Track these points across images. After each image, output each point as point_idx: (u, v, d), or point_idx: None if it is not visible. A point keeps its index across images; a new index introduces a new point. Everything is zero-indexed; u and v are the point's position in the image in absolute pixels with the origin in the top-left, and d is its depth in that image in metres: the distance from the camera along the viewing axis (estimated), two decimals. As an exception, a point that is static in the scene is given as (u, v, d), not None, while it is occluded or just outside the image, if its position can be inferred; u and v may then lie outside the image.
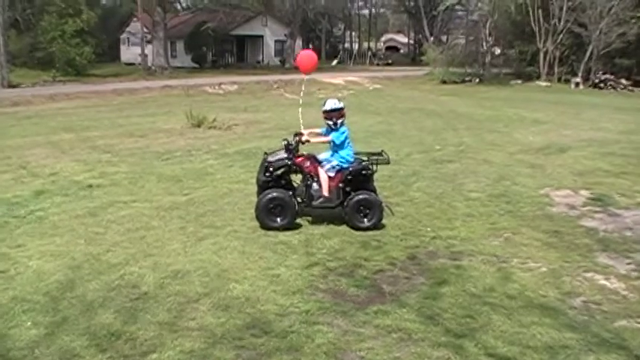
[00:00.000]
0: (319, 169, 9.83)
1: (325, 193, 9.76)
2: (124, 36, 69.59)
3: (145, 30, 56.76)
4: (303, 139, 9.99)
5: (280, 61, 65.18)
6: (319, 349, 5.95)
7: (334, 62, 69.32)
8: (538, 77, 45.54)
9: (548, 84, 43.44)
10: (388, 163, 10.10)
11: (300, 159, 9.89)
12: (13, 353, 5.89)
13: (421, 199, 11.55)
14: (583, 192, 12.17)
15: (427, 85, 43.40)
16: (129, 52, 67.25)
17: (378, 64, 70.81)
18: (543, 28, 44.83)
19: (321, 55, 72.57)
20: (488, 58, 48.42)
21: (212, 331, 6.29)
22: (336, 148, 9.86)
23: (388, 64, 71.86)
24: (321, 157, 10.08)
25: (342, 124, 9.85)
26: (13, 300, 7.04)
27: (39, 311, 6.77)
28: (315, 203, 9.85)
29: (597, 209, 11.08)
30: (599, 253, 8.81)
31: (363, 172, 9.82)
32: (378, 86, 41.27)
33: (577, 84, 42.69)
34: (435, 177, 13.32)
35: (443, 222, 10.15)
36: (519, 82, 45.08)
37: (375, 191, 9.97)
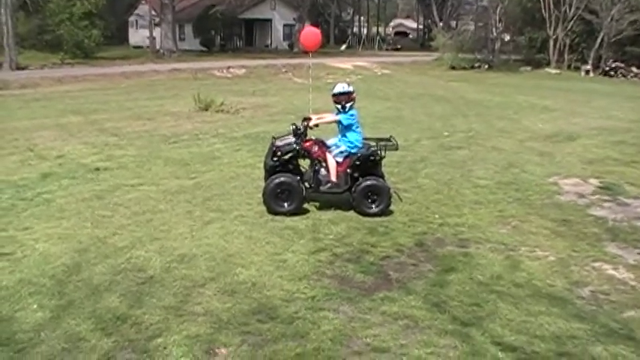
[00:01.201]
0: (327, 154, 9.77)
1: (333, 178, 9.70)
2: (132, 19, 69.44)
3: (154, 13, 56.69)
4: (311, 123, 9.92)
5: (289, 45, 64.96)
6: (325, 335, 5.92)
7: (343, 47, 69.09)
8: (548, 64, 45.27)
9: (558, 71, 43.20)
10: (397, 149, 10.04)
11: (308, 144, 9.82)
12: (19, 336, 5.88)
13: (429, 185, 11.50)
14: (592, 180, 12.09)
15: (436, 71, 43.26)
16: (137, 35, 67.12)
17: (386, 49, 70.54)
18: (554, 15, 44.51)
19: (330, 40, 72.37)
20: (497, 45, 48.20)
21: (218, 315, 6.27)
22: (345, 132, 9.80)
23: (397, 50, 71.59)
24: (329, 142, 10.01)
25: (351, 107, 9.77)
26: (19, 283, 7.03)
27: (45, 294, 6.76)
28: (322, 188, 9.79)
29: (606, 198, 11.00)
30: (608, 243, 8.75)
31: (372, 157, 9.75)
32: (386, 71, 41.12)
33: (587, 71, 42.44)
34: (444, 163, 13.26)
35: (451, 209, 10.10)
36: (529, 69, 44.88)
37: (383, 177, 9.92)
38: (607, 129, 18.62)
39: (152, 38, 56.29)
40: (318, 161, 9.88)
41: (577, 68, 43.83)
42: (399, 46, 74.96)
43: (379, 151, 9.76)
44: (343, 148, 9.79)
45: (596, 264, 7.95)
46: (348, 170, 9.74)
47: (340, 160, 9.75)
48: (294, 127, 9.88)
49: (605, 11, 41.88)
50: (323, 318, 6.26)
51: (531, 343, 5.88)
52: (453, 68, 44.32)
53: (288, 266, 7.55)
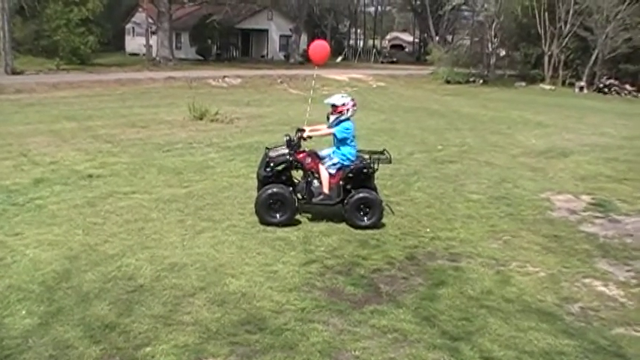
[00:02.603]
0: (320, 165, 9.78)
1: (326, 190, 9.71)
2: (129, 26, 69.45)
3: (150, 21, 56.67)
4: (305, 134, 9.91)
5: (285, 56, 65.04)
6: (314, 347, 5.92)
7: (339, 59, 69.15)
8: (542, 80, 45.38)
9: (552, 87, 43.32)
10: (390, 162, 10.07)
11: (301, 155, 9.84)
12: (6, 342, 5.86)
13: (421, 199, 11.51)
14: (584, 197, 12.14)
15: (431, 85, 43.32)
16: (134, 43, 67.13)
17: (382, 62, 70.64)
18: (549, 31, 44.67)
19: (326, 52, 72.35)
20: (493, 60, 48.36)
21: (207, 326, 6.26)
22: (339, 144, 9.80)
23: (393, 62, 71.69)
24: (322, 153, 10.04)
25: (346, 120, 9.75)
26: (8, 288, 7.02)
27: (34, 300, 6.74)
28: (315, 200, 9.81)
29: (598, 215, 11.04)
30: (599, 259, 8.77)
31: (365, 170, 9.77)
32: (382, 84, 41.19)
33: (581, 88, 42.57)
34: (436, 177, 13.28)
35: (442, 223, 10.12)
36: (523, 84, 44.98)
37: (376, 190, 9.94)
38: (600, 146, 18.69)
39: (148, 46, 56.23)
40: (311, 173, 9.88)
41: (571, 84, 43.97)
42: (394, 59, 75.08)
43: (372, 164, 9.78)
44: (336, 160, 9.79)
45: (587, 280, 7.97)
46: (341, 182, 9.74)
47: (333, 172, 9.77)
48: (287, 137, 9.89)
49: (599, 29, 42.05)
50: (312, 330, 6.25)
51: (520, 358, 5.90)
52: (448, 82, 44.40)
53: (279, 277, 7.55)
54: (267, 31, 67.35)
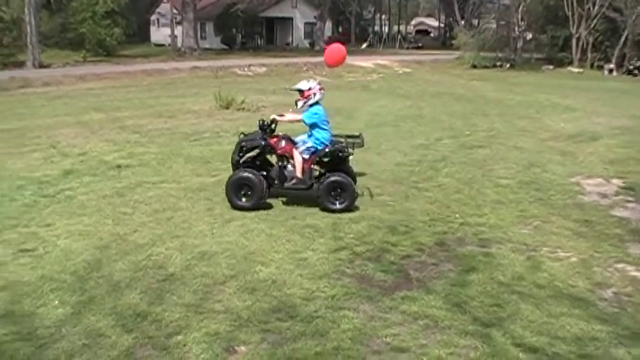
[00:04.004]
0: (294, 150, 9.86)
1: (299, 174, 9.80)
2: (153, 17, 69.80)
3: (175, 11, 56.92)
4: (271, 117, 10.12)
5: (310, 43, 64.99)
6: (345, 334, 5.90)
7: (364, 45, 68.98)
8: (570, 63, 44.83)
9: (581, 70, 42.78)
10: (362, 146, 10.26)
11: (274, 140, 9.99)
12: (40, 331, 5.93)
13: (450, 184, 11.44)
14: (615, 181, 11.96)
15: (457, 70, 43.04)
16: (158, 33, 67.49)
17: (407, 48, 70.28)
18: (577, 13, 44.04)
19: (351, 39, 72.29)
20: (519, 43, 47.87)
21: (238, 313, 6.28)
22: (311, 129, 9.92)
23: (418, 48, 71.35)
24: (297, 138, 10.11)
25: (314, 104, 9.90)
26: (41, 279, 7.10)
27: (66, 290, 6.81)
28: (287, 184, 9.95)
29: (629, 199, 10.87)
30: (631, 244, 8.63)
31: (339, 154, 9.84)
32: (407, 70, 41.02)
33: (610, 70, 41.99)
34: (465, 162, 13.18)
35: (472, 208, 10.04)
36: (551, 67, 44.50)
37: (351, 173, 10.07)
38: (629, 129, 18.38)
39: (173, 36, 56.51)
40: (285, 157, 9.98)
41: (600, 67, 43.32)
42: (420, 45, 74.73)
43: (346, 148, 9.88)
44: (310, 144, 9.89)
45: (619, 265, 7.85)
46: (314, 167, 9.95)
47: (307, 156, 9.86)
48: (261, 122, 10.06)
49: (629, 9, 41.40)
50: (343, 317, 6.24)
51: (552, 344, 5.82)
52: (475, 67, 44.08)
53: (309, 264, 7.54)
54: (291, 18, 67.32)
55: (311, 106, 9.89)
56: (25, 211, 9.69)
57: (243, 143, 10.02)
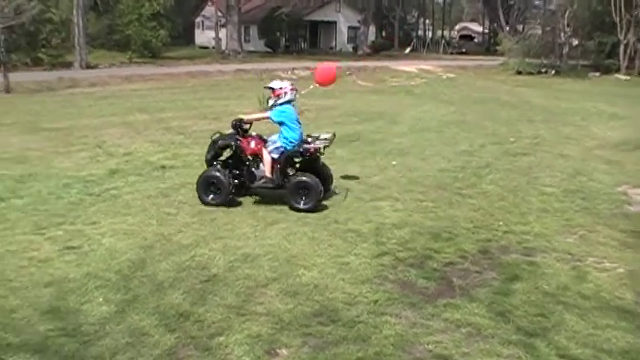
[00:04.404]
0: (263, 149, 10.11)
1: (268, 173, 10.06)
2: (198, 19, 70.48)
3: (220, 14, 57.39)
4: (240, 116, 10.60)
5: (353, 47, 65.01)
6: (387, 340, 5.87)
7: (407, 50, 68.80)
8: (617, 70, 43.99)
9: (628, 77, 41.96)
10: (328, 146, 10.35)
11: (245, 140, 10.26)
12: (85, 328, 6.01)
13: (494, 191, 11.31)
14: (664, 191, 11.72)
15: (501, 76, 42.59)
16: (203, 36, 68.13)
17: (451, 53, 69.86)
18: (625, 19, 43.21)
19: (394, 43, 72.14)
20: (565, 50, 47.13)
21: (279, 316, 6.28)
22: (282, 128, 10.12)
23: (462, 53, 70.80)
24: (270, 138, 10.31)
25: (284, 103, 10.16)
26: (86, 276, 7.20)
27: (110, 288, 6.90)
28: (257, 183, 10.22)
29: (678, 209, 10.64)
30: (681, 256, 8.44)
31: (308, 154, 10.07)
32: (451, 75, 40.75)
33: (658, 78, 41.18)
34: (509, 170, 13.03)
35: (516, 216, 9.91)
36: (597, 74, 43.72)
37: (326, 174, 10.39)
38: (679, 138, 17.99)
39: (218, 39, 57.02)
40: (256, 157, 10.24)
41: (648, 75, 42.52)
42: (463, 50, 74.12)
43: (319, 149, 10.18)
44: (279, 144, 10.11)
45: (668, 278, 7.68)
46: (283, 166, 10.10)
47: (276, 156, 10.09)
48: (234, 123, 10.37)
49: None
50: (385, 322, 6.20)
51: (598, 357, 5.71)
52: (519, 73, 43.57)
53: (351, 269, 7.52)
54: (335, 22, 67.42)
55: (281, 105, 10.14)
56: (71, 209, 9.86)
57: (216, 143, 10.33)
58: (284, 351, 5.68)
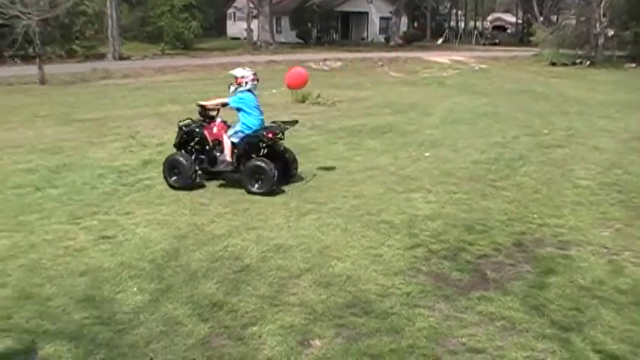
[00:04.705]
0: (223, 134, 10.65)
1: (227, 157, 10.56)
2: (230, 11, 70.72)
3: (251, 5, 57.46)
4: (200, 102, 11.17)
5: (385, 38, 64.76)
6: (420, 332, 5.84)
7: (439, 41, 68.38)
8: (655, 61, 43.30)
9: (665, 69, 41.31)
10: (283, 131, 10.79)
11: (208, 126, 10.83)
12: (119, 316, 6.08)
13: (528, 184, 11.19)
14: (702, 185, 11.49)
15: (535, 67, 42.10)
16: (235, 27, 68.36)
17: (484, 44, 69.24)
18: (662, 9, 42.51)
19: (427, 34, 71.73)
20: (600, 40, 46.42)
21: (313, 307, 6.29)
22: (241, 115, 10.63)
23: (495, 44, 70.14)
24: (235, 125, 10.83)
25: (245, 91, 10.61)
26: (120, 265, 7.28)
27: (144, 278, 6.96)
28: (217, 167, 10.76)
29: None
30: None
31: (266, 139, 10.40)
32: (484, 66, 40.39)
33: (697, 69, 40.43)
34: (543, 162, 12.88)
35: (550, 209, 9.79)
36: (634, 65, 43.02)
37: (289, 159, 10.90)
38: None
39: (250, 30, 57.11)
40: (218, 142, 10.71)
41: (687, 65, 41.72)
42: (496, 41, 73.43)
43: (276, 133, 10.60)
44: (238, 128, 10.64)
45: None
46: (240, 150, 10.55)
47: (236, 140, 10.58)
48: (199, 109, 10.98)
49: None
50: (418, 315, 6.18)
51: (635, 353, 5.61)
52: (553, 64, 43.03)
53: (384, 261, 7.49)
54: (367, 13, 67.22)
55: (242, 92, 10.58)
56: (106, 199, 9.98)
57: (181, 128, 10.87)
58: (317, 342, 5.68)
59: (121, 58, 40.52)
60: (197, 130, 10.74)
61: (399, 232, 8.46)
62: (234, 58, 40.78)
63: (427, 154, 13.26)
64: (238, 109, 10.61)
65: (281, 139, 10.69)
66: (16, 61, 36.67)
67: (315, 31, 63.97)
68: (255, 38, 54.84)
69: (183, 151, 10.69)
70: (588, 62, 43.58)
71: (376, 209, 9.43)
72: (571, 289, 6.90)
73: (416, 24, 78.75)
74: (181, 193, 10.17)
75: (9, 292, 6.64)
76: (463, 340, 5.76)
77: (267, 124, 10.89)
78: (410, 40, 63.45)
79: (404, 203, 9.79)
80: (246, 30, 58.64)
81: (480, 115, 19.01)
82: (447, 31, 76.72)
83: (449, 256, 7.72)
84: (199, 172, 10.63)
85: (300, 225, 8.69)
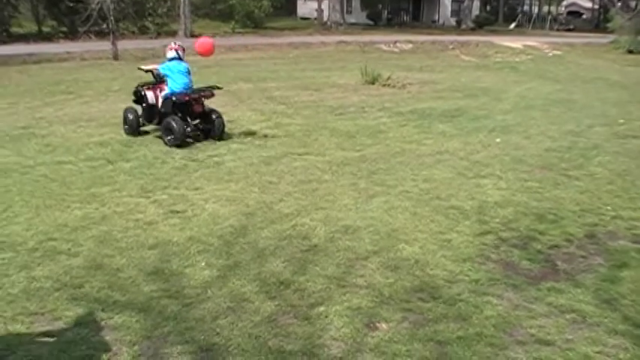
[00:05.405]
0: (158, 95, 12.55)
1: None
2: (301, -10, 70.63)
3: (323, -15, 57.27)
4: (141, 66, 13.48)
5: (457, 21, 63.81)
6: (488, 321, 5.76)
7: (512, 25, 67.06)
8: None
9: None
10: (200, 95, 12.39)
11: (152, 87, 12.79)
12: (187, 291, 6.16)
13: (602, 174, 10.89)
14: None
15: (611, 54, 40.90)
16: (305, 7, 68.19)
17: (558, 30, 67.62)
18: None
19: (499, 18, 70.45)
20: (682, 28, 44.87)
21: (380, 290, 6.26)
22: (167, 80, 12.43)
23: (569, 30, 68.44)
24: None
25: (171, 59, 12.50)
26: (189, 240, 7.38)
27: (213, 253, 7.03)
28: (152, 123, 12.75)
29: None
30: None
31: (181, 100, 12.07)
32: (557, 52, 39.42)
33: None
34: (618, 152, 12.51)
35: (625, 201, 9.51)
36: None
37: (216, 122, 12.46)
38: None
39: (320, 10, 56.95)
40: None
41: None
42: (571, 27, 71.62)
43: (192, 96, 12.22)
44: (166, 91, 12.38)
45: None
46: (162, 109, 12.36)
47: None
48: (154, 74, 12.85)
49: None
50: (486, 303, 6.09)
51: None
52: (631, 52, 41.67)
53: (453, 246, 7.41)
54: (439, -5, 66.28)
55: (169, 60, 12.47)
56: (176, 174, 10.12)
57: (136, 89, 12.92)
58: (384, 325, 5.65)
59: (192, 35, 40.81)
60: (140, 90, 12.73)
61: (468, 218, 8.35)
62: (305, 37, 40.81)
63: (498, 139, 13.04)
64: (164, 75, 12.36)
65: (197, 101, 12.27)
66: (90, 37, 37.47)
67: (386, 12, 63.49)
68: (325, 18, 54.68)
69: (133, 106, 13.06)
70: (668, 51, 42.09)
71: (445, 194, 9.32)
72: (645, 284, 6.71)
73: (488, 8, 77.37)
74: (250, 171, 10.25)
75: (81, 261, 6.80)
76: (532, 331, 5.65)
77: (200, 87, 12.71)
78: (481, 24, 62.39)
79: (474, 189, 9.66)
80: (316, 10, 58.50)
81: (554, 102, 18.58)
82: (519, 15, 75.17)
83: (519, 245, 7.58)
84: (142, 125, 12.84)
85: (369, 207, 8.65)
